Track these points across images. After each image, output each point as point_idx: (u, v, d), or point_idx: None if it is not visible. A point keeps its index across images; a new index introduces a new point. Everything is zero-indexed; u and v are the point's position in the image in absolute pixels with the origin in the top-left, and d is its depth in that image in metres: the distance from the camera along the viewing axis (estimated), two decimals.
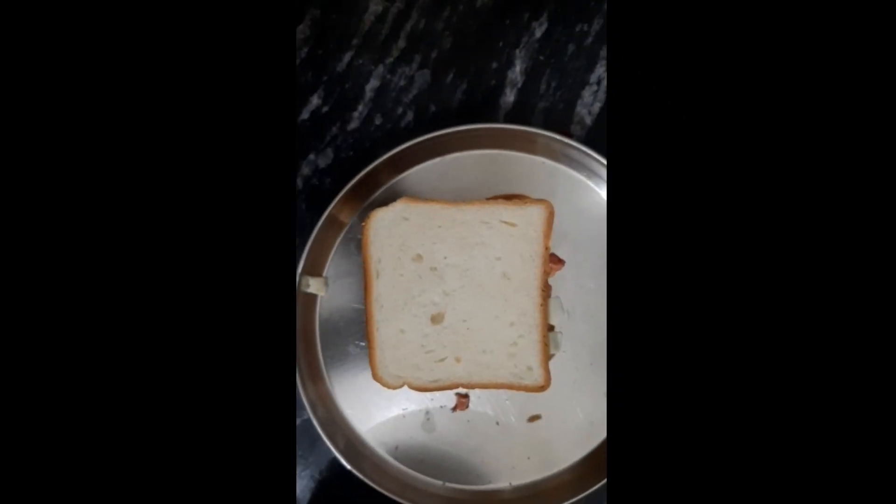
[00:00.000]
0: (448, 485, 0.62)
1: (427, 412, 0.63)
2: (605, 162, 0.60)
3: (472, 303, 0.59)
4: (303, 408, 0.61)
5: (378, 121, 0.67)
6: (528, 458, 0.62)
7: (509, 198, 0.61)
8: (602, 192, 0.63)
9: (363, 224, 0.60)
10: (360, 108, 0.67)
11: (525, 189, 0.63)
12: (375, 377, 0.60)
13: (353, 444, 0.63)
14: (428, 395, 0.62)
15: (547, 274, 0.60)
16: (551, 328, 0.61)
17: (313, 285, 0.63)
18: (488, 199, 0.61)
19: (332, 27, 0.67)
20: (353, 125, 0.67)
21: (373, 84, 0.67)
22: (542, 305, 0.59)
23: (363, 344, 0.63)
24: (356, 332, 0.64)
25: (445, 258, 0.59)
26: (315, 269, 0.63)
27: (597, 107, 0.66)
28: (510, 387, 0.60)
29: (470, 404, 0.63)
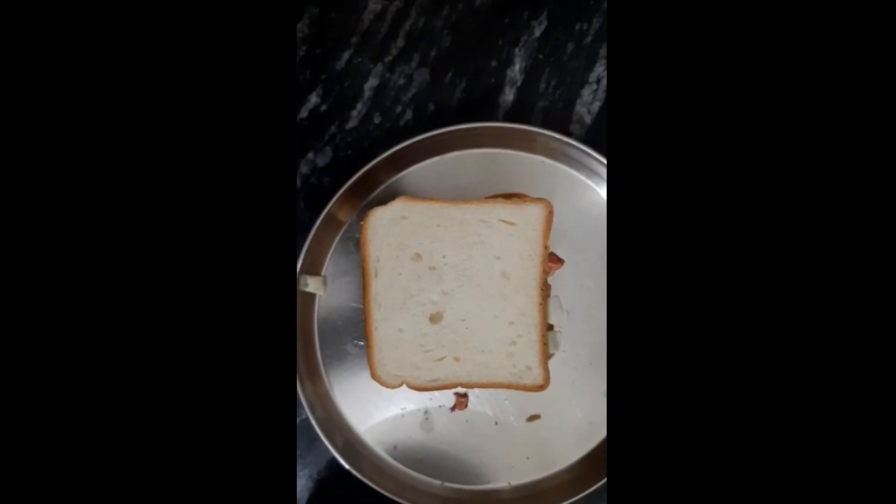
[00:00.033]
0: (447, 484, 0.62)
1: (426, 412, 0.63)
2: (604, 161, 0.60)
3: (471, 302, 0.59)
4: (301, 407, 0.61)
5: (377, 119, 0.67)
6: (527, 457, 0.62)
7: (508, 197, 0.61)
8: (601, 192, 0.63)
9: (362, 223, 0.60)
10: (359, 106, 0.67)
11: (524, 188, 0.63)
12: (374, 376, 0.60)
13: (351, 443, 0.62)
14: (427, 394, 0.62)
15: (546, 273, 0.60)
16: (550, 327, 0.61)
17: (312, 284, 0.62)
18: (487, 197, 0.61)
19: (331, 25, 0.67)
20: (351, 124, 0.67)
21: (372, 83, 0.67)
22: (541, 305, 0.59)
23: (362, 343, 0.63)
24: (355, 331, 0.63)
25: (444, 257, 0.59)
26: (314, 268, 0.63)
27: (596, 106, 0.66)
28: (509, 386, 0.60)
29: (469, 404, 0.62)
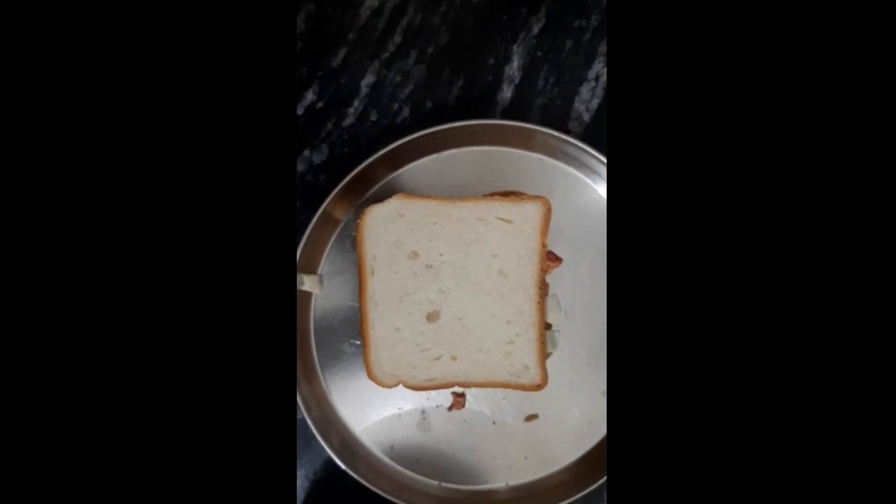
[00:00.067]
0: (444, 485, 0.62)
1: (423, 411, 0.62)
2: (603, 159, 0.60)
3: (468, 300, 0.59)
4: (297, 407, 0.60)
5: (374, 117, 0.66)
6: (525, 457, 0.62)
7: (506, 195, 0.61)
8: (600, 190, 0.63)
9: (358, 221, 0.59)
10: (356, 103, 0.66)
11: (522, 186, 0.62)
12: (370, 376, 0.60)
13: (347, 443, 0.62)
14: (424, 394, 0.62)
15: (544, 271, 0.59)
16: (548, 326, 0.61)
17: (308, 283, 0.62)
18: (485, 195, 0.60)
19: (328, 21, 0.67)
20: (348, 121, 0.66)
21: (368, 79, 0.66)
22: (538, 303, 0.59)
23: (358, 342, 0.63)
24: (351, 330, 0.63)
25: (441, 255, 0.59)
26: (310, 267, 0.63)
27: (595, 103, 0.66)
28: (507, 386, 0.59)
29: (466, 403, 0.62)
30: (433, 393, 0.62)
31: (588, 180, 0.63)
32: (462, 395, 0.62)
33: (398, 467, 0.62)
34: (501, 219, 0.59)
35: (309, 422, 0.60)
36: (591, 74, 0.66)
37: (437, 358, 0.59)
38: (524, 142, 0.62)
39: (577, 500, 0.59)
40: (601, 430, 0.61)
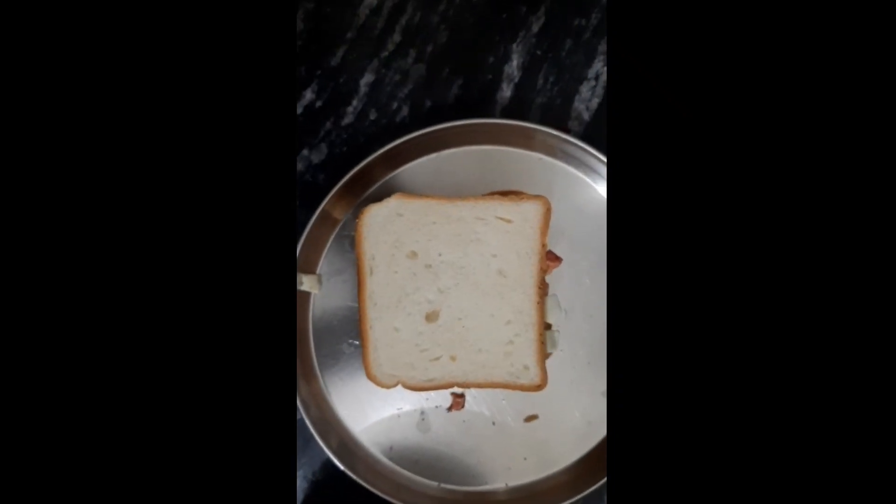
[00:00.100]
0: (443, 486, 0.62)
1: (422, 412, 0.62)
2: (603, 158, 0.60)
3: (468, 300, 0.58)
4: (296, 407, 0.60)
5: (373, 116, 0.66)
6: (525, 458, 0.61)
7: (505, 194, 0.60)
8: (600, 189, 0.63)
9: (357, 220, 0.59)
10: (355, 102, 0.66)
11: (522, 186, 0.62)
12: (369, 376, 0.59)
13: (346, 444, 0.62)
14: (423, 394, 0.61)
15: (544, 271, 0.59)
16: (548, 327, 0.61)
17: (307, 283, 0.62)
18: (484, 195, 0.60)
19: (326, 20, 0.66)
20: (347, 120, 0.66)
21: (367, 78, 0.66)
22: (538, 303, 0.58)
23: (357, 342, 0.62)
24: (350, 330, 0.63)
25: (440, 255, 0.58)
26: (308, 267, 0.62)
27: (595, 102, 0.65)
28: (506, 386, 0.59)
29: (466, 404, 0.62)
30: (432, 393, 0.61)
31: (588, 179, 0.63)
32: (461, 396, 0.62)
33: (397, 468, 0.62)
34: (501, 218, 0.58)
35: (307, 422, 0.59)
36: (591, 73, 0.66)
37: (437, 358, 0.59)
38: (524, 141, 0.62)
39: (577, 501, 0.59)
40: (601, 431, 0.61)
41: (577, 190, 0.63)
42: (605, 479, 0.58)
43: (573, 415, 0.61)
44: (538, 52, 0.66)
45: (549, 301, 0.61)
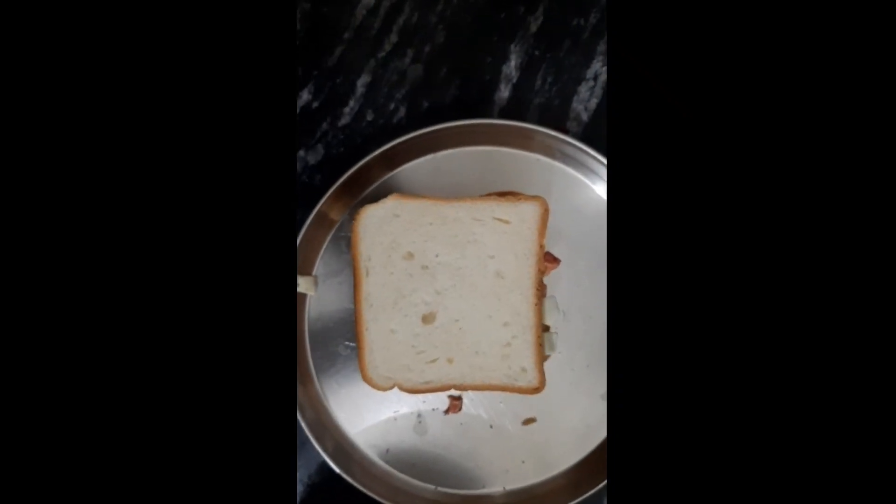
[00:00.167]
0: (440, 489, 0.61)
1: (419, 415, 0.62)
2: (601, 159, 0.60)
3: (465, 302, 0.58)
4: (295, 410, 0.59)
5: (370, 116, 0.66)
6: (523, 461, 0.61)
7: (503, 195, 0.60)
8: (598, 190, 0.62)
9: (353, 221, 0.59)
10: (352, 103, 0.66)
11: (520, 186, 0.62)
12: (365, 378, 0.59)
13: (342, 447, 0.61)
14: (420, 397, 0.61)
15: (541, 273, 0.58)
16: (546, 328, 0.60)
17: (303, 284, 0.61)
18: (481, 196, 0.60)
19: (323, 20, 0.66)
20: (344, 121, 0.66)
21: (364, 79, 0.66)
22: (536, 305, 0.58)
23: (353, 344, 0.62)
24: (346, 332, 0.62)
25: (437, 256, 0.58)
26: (304, 268, 0.62)
27: (593, 103, 0.65)
28: (504, 388, 0.59)
29: (463, 407, 0.61)
30: (429, 396, 0.61)
31: (586, 180, 0.62)
32: (458, 399, 0.61)
33: (393, 471, 0.61)
34: (498, 219, 0.58)
35: (303, 425, 0.59)
36: (590, 74, 0.65)
37: (433, 360, 0.58)
38: (522, 142, 0.62)
39: None
40: (600, 434, 0.61)
41: (575, 191, 0.62)
42: (603, 483, 0.58)
43: (572, 418, 0.61)
44: (536, 53, 0.66)
45: (548, 303, 0.60)
